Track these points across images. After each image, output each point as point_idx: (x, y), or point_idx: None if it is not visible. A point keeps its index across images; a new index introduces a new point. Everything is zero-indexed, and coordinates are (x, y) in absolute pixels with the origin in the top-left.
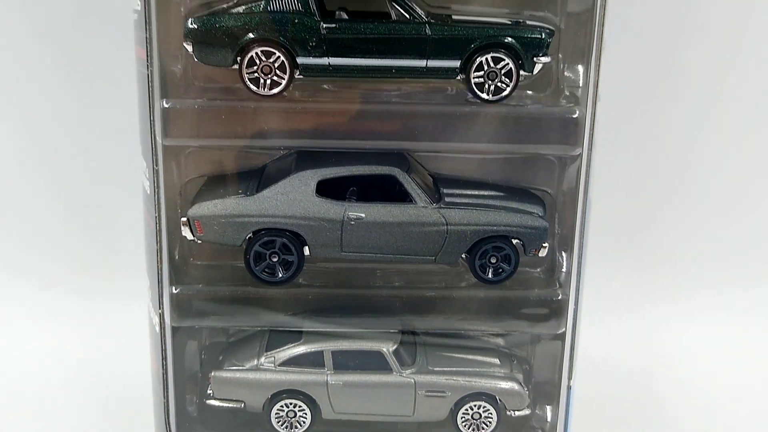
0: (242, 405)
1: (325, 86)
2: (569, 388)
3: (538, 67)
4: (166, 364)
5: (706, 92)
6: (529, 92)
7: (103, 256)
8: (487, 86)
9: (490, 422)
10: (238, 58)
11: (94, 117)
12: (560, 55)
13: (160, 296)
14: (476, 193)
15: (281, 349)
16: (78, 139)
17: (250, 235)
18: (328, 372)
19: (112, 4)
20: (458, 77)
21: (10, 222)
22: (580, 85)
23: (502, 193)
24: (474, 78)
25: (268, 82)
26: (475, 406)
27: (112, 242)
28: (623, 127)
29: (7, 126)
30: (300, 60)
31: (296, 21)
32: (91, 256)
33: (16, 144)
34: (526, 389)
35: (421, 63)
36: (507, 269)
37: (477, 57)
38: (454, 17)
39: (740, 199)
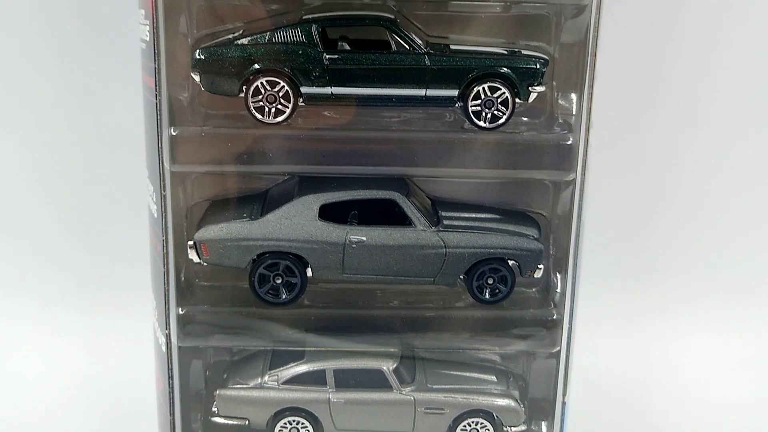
0: (246, 422)
1: (326, 113)
2: (564, 403)
3: (533, 96)
4: (172, 383)
5: (694, 118)
6: (525, 119)
7: (107, 272)
8: (484, 114)
9: None
10: (244, 88)
11: (99, 136)
12: (554, 83)
13: (167, 317)
14: (474, 216)
15: (284, 367)
16: (83, 158)
17: (255, 257)
18: (330, 390)
19: (119, 29)
20: (456, 105)
21: (17, 239)
22: (574, 112)
23: (498, 216)
24: (472, 106)
25: (273, 110)
26: (473, 422)
27: (116, 259)
28: (615, 153)
29: (15, 145)
30: (304, 89)
31: (300, 52)
32: (95, 272)
33: (25, 163)
34: (522, 405)
35: (421, 92)
36: (504, 290)
37: (474, 86)
38: (452, 47)
39: (728, 218)
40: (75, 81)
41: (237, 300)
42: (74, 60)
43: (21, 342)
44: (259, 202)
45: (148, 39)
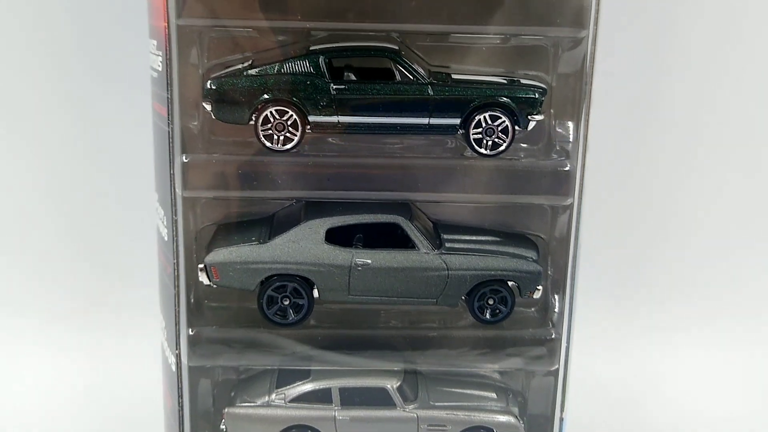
0: None
1: (330, 140)
2: (562, 419)
3: (532, 124)
4: (182, 401)
5: (687, 144)
6: (524, 145)
7: (113, 291)
8: (485, 142)
9: None
10: (254, 117)
11: (107, 157)
12: (552, 111)
13: (177, 337)
14: (474, 238)
15: (291, 386)
16: (90, 179)
17: (263, 280)
18: (336, 408)
19: (128, 57)
20: (458, 133)
21: (26, 259)
22: (571, 139)
23: (498, 239)
24: (473, 134)
25: (282, 138)
26: None
27: (122, 279)
28: (611, 178)
29: (24, 164)
30: (311, 118)
31: (308, 83)
32: (100, 291)
33: (35, 183)
34: (521, 422)
35: (424, 120)
36: (504, 310)
37: (476, 115)
38: (453, 76)
39: (721, 239)
40: (82, 104)
41: (245, 320)
42: (81, 83)
43: (28, 360)
44: (267, 225)
45: (160, 69)
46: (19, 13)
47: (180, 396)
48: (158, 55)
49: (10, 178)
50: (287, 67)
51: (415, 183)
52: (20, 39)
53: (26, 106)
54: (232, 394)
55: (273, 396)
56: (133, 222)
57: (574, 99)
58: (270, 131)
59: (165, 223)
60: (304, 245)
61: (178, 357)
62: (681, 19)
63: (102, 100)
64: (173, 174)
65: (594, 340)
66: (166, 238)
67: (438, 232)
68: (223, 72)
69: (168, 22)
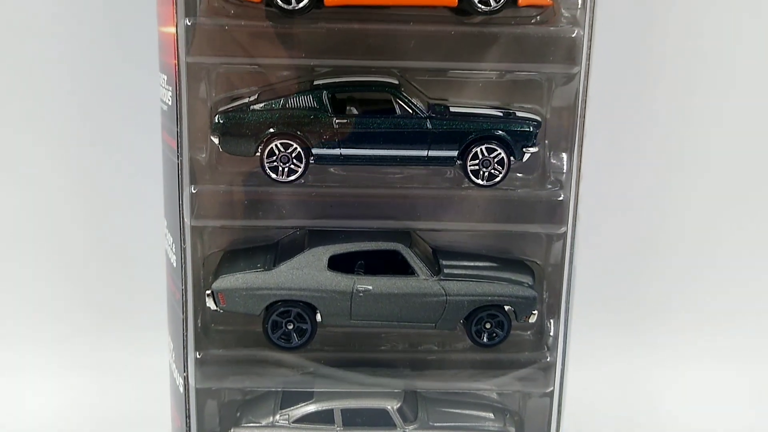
0: None
1: (333, 170)
2: None
3: (526, 156)
4: (189, 422)
5: (680, 173)
6: (519, 174)
7: (125, 310)
8: (481, 173)
9: None
10: (260, 149)
11: (120, 177)
12: (546, 142)
13: (185, 360)
14: (472, 264)
15: (295, 407)
16: (103, 198)
17: (268, 305)
18: (338, 428)
19: (138, 93)
20: (456, 164)
21: (40, 278)
22: (564, 170)
23: (495, 264)
24: (470, 166)
25: (286, 170)
26: None
27: (134, 296)
28: (603, 208)
29: (40, 183)
30: (315, 150)
31: (312, 117)
32: (112, 309)
33: (50, 202)
34: None
35: (423, 153)
36: (500, 334)
37: (473, 147)
38: (451, 109)
39: (717, 267)
40: (96, 130)
41: (250, 343)
42: (95, 112)
43: (38, 378)
44: (272, 252)
45: (170, 103)
46: (35, 44)
47: (187, 416)
48: (168, 90)
49: (27, 202)
50: (292, 102)
51: (415, 212)
52: (36, 68)
53: (40, 134)
54: (238, 414)
55: (277, 417)
56: (148, 242)
57: (568, 132)
58: (275, 163)
59: (174, 249)
60: (307, 272)
61: (185, 379)
62: (672, 54)
63: (114, 127)
64: (182, 204)
65: (589, 361)
66: (174, 264)
67: (437, 258)
68: (230, 106)
69: (178, 60)
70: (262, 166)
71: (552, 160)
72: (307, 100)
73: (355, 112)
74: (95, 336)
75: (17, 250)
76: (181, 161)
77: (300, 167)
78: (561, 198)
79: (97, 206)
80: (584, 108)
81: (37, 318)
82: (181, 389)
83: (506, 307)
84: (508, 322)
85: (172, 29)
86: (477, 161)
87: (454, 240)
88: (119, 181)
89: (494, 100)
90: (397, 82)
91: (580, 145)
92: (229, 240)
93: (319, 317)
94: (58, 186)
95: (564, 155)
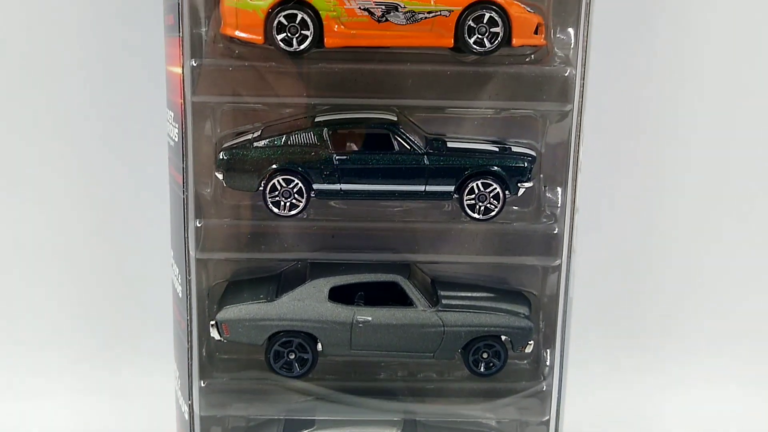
0: None
1: (333, 204)
2: None
3: (521, 191)
4: None
5: (671, 206)
6: (515, 207)
7: (133, 335)
8: (478, 207)
9: None
10: (262, 184)
11: (127, 201)
12: (542, 176)
13: (190, 388)
14: (470, 295)
15: None
16: (112, 223)
17: (271, 335)
18: None
19: (144, 126)
20: (453, 198)
21: (46, 303)
22: (559, 204)
23: (492, 295)
24: (467, 200)
25: (288, 204)
26: None
27: (141, 323)
28: (598, 240)
29: (53, 213)
30: (316, 186)
31: (313, 153)
32: (120, 333)
33: (64, 225)
34: None
35: (421, 188)
36: (497, 364)
37: (469, 182)
38: (449, 144)
39: (712, 293)
40: (105, 161)
41: (254, 370)
42: (103, 144)
43: (47, 401)
44: (274, 283)
45: (176, 140)
46: (51, 79)
47: None
48: (175, 126)
49: (40, 230)
50: (293, 139)
51: (415, 244)
52: (45, 101)
53: (54, 166)
54: None
55: None
56: (155, 268)
57: (562, 166)
58: (277, 198)
59: (180, 280)
60: (308, 303)
61: (190, 407)
62: (665, 87)
63: (125, 160)
64: (187, 237)
65: (586, 390)
66: (180, 295)
67: (435, 289)
68: (233, 142)
69: (184, 99)
70: (265, 201)
71: (547, 194)
72: (308, 137)
73: (354, 148)
74: (103, 361)
75: (30, 279)
76: (187, 196)
77: (301, 202)
78: (556, 231)
79: (108, 234)
80: (578, 144)
81: (48, 343)
82: (186, 416)
83: (503, 338)
84: (505, 352)
85: (179, 69)
86: (473, 196)
87: (452, 271)
88: (130, 212)
89: (491, 135)
90: (395, 119)
91: (574, 180)
92: (233, 270)
93: (320, 347)
94: (72, 217)
95: (559, 189)
